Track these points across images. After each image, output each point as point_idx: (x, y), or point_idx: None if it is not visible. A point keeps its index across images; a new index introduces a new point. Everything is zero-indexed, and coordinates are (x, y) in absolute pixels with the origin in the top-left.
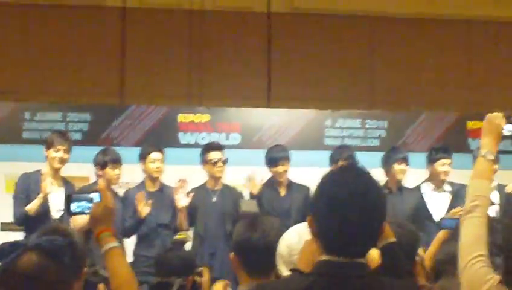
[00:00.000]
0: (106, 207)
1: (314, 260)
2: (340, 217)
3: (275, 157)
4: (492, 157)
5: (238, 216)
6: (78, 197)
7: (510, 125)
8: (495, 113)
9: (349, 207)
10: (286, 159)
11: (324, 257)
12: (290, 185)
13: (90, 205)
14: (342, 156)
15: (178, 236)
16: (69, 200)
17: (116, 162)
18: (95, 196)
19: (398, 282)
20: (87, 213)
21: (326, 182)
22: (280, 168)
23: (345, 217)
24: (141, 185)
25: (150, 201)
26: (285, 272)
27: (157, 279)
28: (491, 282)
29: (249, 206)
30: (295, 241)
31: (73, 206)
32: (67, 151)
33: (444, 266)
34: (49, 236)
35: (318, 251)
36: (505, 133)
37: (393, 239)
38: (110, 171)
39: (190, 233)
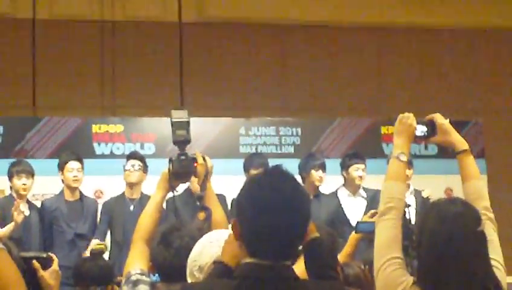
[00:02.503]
0: None
1: (237, 253)
2: (266, 220)
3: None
4: (405, 159)
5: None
6: None
7: (421, 125)
8: (406, 114)
9: (275, 210)
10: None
11: (249, 260)
12: None
13: None
14: (254, 164)
15: (95, 246)
16: None
17: (23, 172)
18: None
19: (324, 284)
20: None
21: (252, 185)
22: None
23: (271, 220)
24: (60, 195)
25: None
26: (189, 282)
27: (76, 289)
28: (404, 284)
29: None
30: (197, 252)
31: None
32: None
33: None
34: None
35: (241, 253)
36: (417, 133)
37: (316, 234)
38: (16, 181)
39: (107, 243)
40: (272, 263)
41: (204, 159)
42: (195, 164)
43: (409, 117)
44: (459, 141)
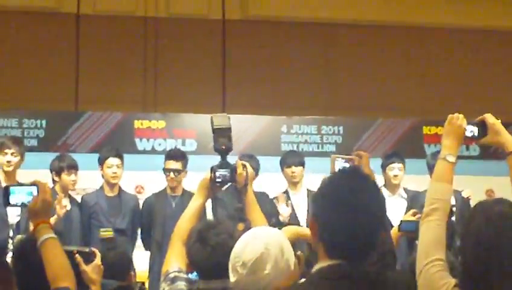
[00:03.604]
0: (44, 200)
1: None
2: (346, 221)
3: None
4: (453, 160)
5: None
6: (16, 189)
7: (471, 126)
8: (456, 114)
9: (355, 211)
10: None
11: (329, 262)
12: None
13: (29, 197)
14: (288, 162)
15: (105, 234)
16: (6, 192)
17: (72, 168)
18: (33, 189)
19: (397, 275)
20: (26, 205)
21: (330, 186)
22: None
23: (352, 221)
24: (100, 190)
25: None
26: (231, 278)
27: (115, 283)
28: (446, 286)
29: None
30: (240, 248)
31: (12, 199)
32: (16, 154)
33: None
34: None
35: (320, 253)
36: (467, 134)
37: None
38: (65, 177)
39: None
40: (351, 262)
41: (245, 167)
42: (236, 173)
43: (458, 118)
44: (510, 142)
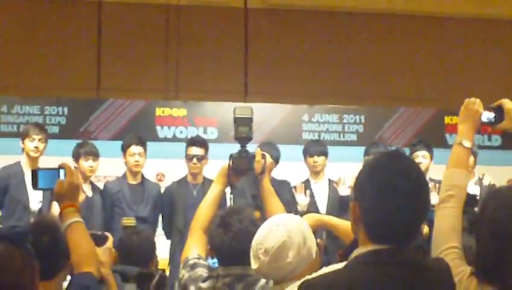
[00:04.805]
0: (71, 183)
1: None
2: (391, 203)
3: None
4: (469, 145)
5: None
6: (44, 173)
7: (488, 112)
8: (473, 99)
9: (400, 193)
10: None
11: (371, 247)
12: None
13: (56, 180)
14: (310, 151)
15: (127, 222)
16: (35, 175)
17: (90, 154)
18: (61, 172)
19: (433, 262)
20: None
21: (374, 168)
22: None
23: (396, 203)
24: (123, 178)
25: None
26: (253, 265)
27: (135, 269)
28: (461, 275)
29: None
30: (263, 235)
31: (41, 182)
32: (43, 140)
33: None
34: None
35: (361, 236)
36: (483, 119)
37: None
38: (83, 163)
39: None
40: (395, 247)
41: (264, 156)
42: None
43: (475, 103)
44: None
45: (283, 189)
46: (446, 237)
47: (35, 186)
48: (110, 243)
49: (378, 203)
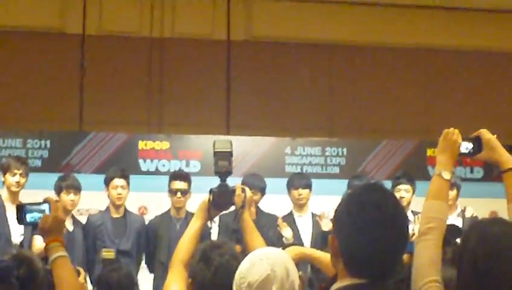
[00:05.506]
0: (55, 217)
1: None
2: (369, 237)
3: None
4: (449, 177)
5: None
6: (30, 208)
7: (467, 142)
8: (451, 129)
9: (378, 227)
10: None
11: (349, 281)
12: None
13: (41, 215)
14: (295, 184)
15: (107, 255)
16: (20, 210)
17: (71, 187)
18: (45, 207)
19: None
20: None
21: (352, 202)
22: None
23: (374, 237)
24: (106, 211)
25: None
26: None
27: None
28: None
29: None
30: (246, 268)
31: (28, 217)
32: (24, 175)
33: None
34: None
35: (339, 271)
36: (462, 150)
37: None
38: (64, 197)
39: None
40: (374, 281)
41: (244, 190)
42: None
43: (453, 133)
44: (506, 159)
45: (270, 222)
46: (427, 270)
47: (21, 221)
48: (82, 278)
49: (354, 237)
